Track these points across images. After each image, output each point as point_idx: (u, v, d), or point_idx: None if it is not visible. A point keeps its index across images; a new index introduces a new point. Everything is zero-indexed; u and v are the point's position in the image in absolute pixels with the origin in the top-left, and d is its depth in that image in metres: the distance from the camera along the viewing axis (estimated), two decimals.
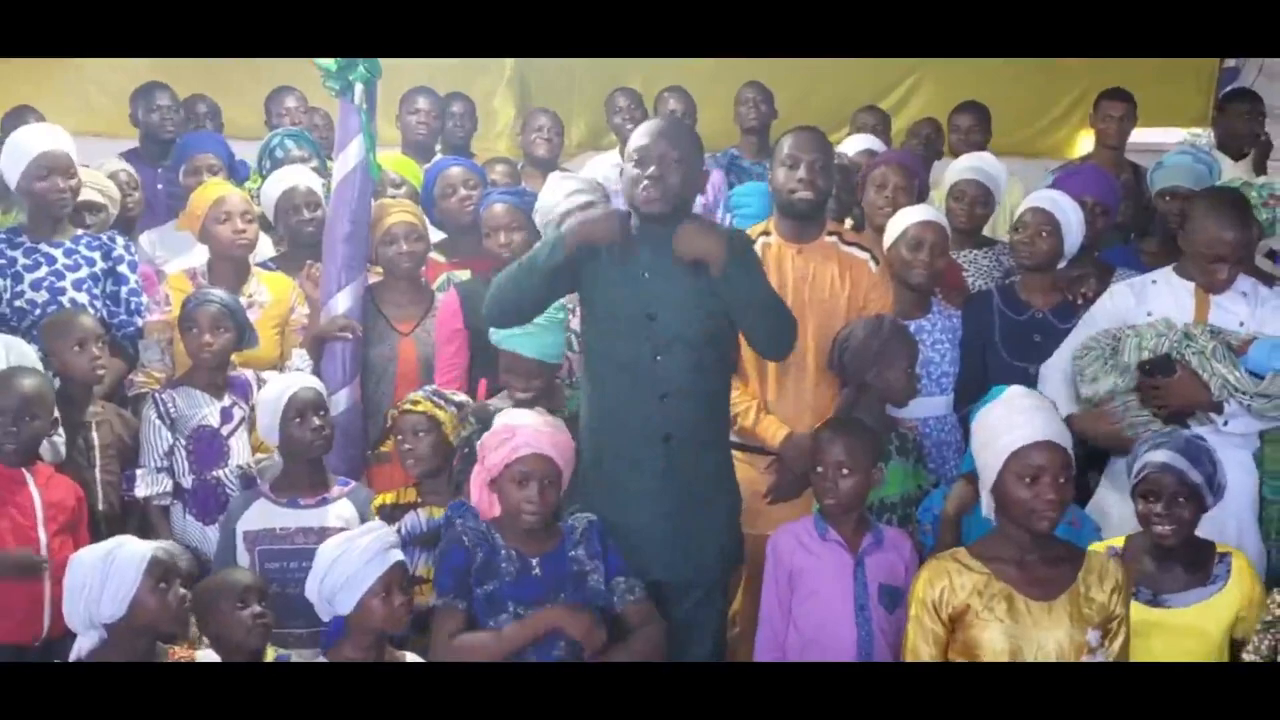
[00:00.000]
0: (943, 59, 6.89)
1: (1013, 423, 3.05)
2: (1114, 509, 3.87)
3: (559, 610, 3.34)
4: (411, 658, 3.36)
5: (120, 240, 4.49)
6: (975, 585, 3.01)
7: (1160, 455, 3.33)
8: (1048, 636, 2.96)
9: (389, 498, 3.93)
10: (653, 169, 3.39)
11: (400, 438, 3.92)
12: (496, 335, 3.91)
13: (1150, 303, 3.98)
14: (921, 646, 3.05)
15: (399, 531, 3.75)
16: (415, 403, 3.93)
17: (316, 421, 3.87)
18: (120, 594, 3.06)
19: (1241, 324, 3.89)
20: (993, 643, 2.97)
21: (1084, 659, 2.97)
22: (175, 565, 3.21)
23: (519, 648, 3.29)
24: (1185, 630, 3.30)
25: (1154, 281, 4.04)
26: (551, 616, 3.32)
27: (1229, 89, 7.00)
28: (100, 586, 3.06)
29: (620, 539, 3.46)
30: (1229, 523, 3.69)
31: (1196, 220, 3.90)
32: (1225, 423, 3.80)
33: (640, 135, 3.47)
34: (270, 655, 3.47)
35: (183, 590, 3.20)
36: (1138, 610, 3.19)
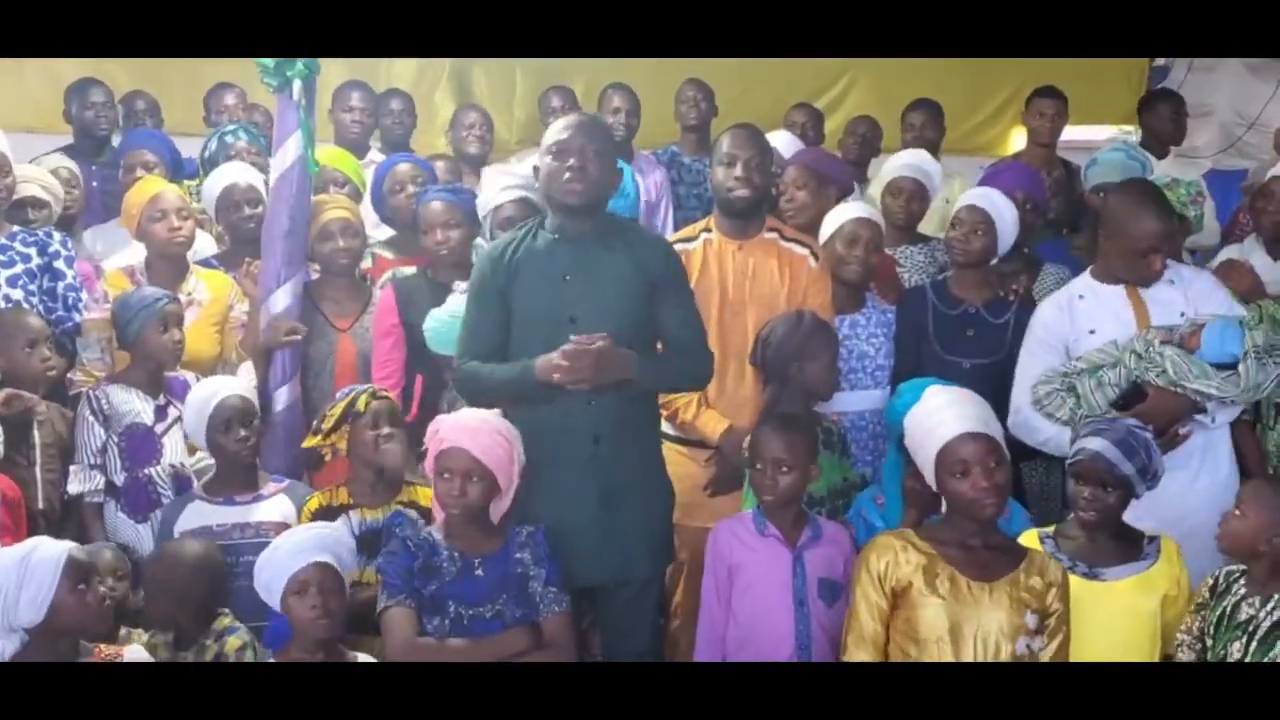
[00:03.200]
0: (877, 59, 6.93)
1: (934, 422, 3.15)
2: None
3: (524, 640, 3.34)
4: (363, 659, 3.32)
5: (56, 235, 4.45)
6: (920, 563, 3.08)
7: (1094, 444, 3.39)
8: (988, 617, 3.04)
9: (321, 499, 3.88)
10: (573, 160, 3.40)
11: (374, 422, 3.79)
12: (429, 335, 3.91)
13: (1086, 319, 3.93)
14: (865, 619, 3.12)
15: None
16: (386, 392, 3.92)
17: (242, 433, 3.87)
18: (38, 598, 2.98)
19: (1181, 313, 3.88)
20: (934, 620, 3.04)
21: (1020, 640, 3.04)
22: (94, 564, 3.14)
23: (473, 660, 3.26)
24: (1121, 603, 3.36)
25: (1081, 296, 3.99)
26: (514, 644, 3.33)
27: (1151, 90, 7.11)
28: (17, 591, 2.98)
29: (556, 543, 3.44)
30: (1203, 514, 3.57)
31: (1124, 215, 3.88)
32: (1213, 419, 3.81)
33: (558, 130, 3.48)
34: (137, 641, 3.41)
35: (102, 589, 3.13)
36: (1075, 584, 3.26)
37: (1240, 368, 3.73)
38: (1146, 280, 3.91)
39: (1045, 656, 3.08)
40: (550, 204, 3.51)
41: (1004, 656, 3.03)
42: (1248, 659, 3.19)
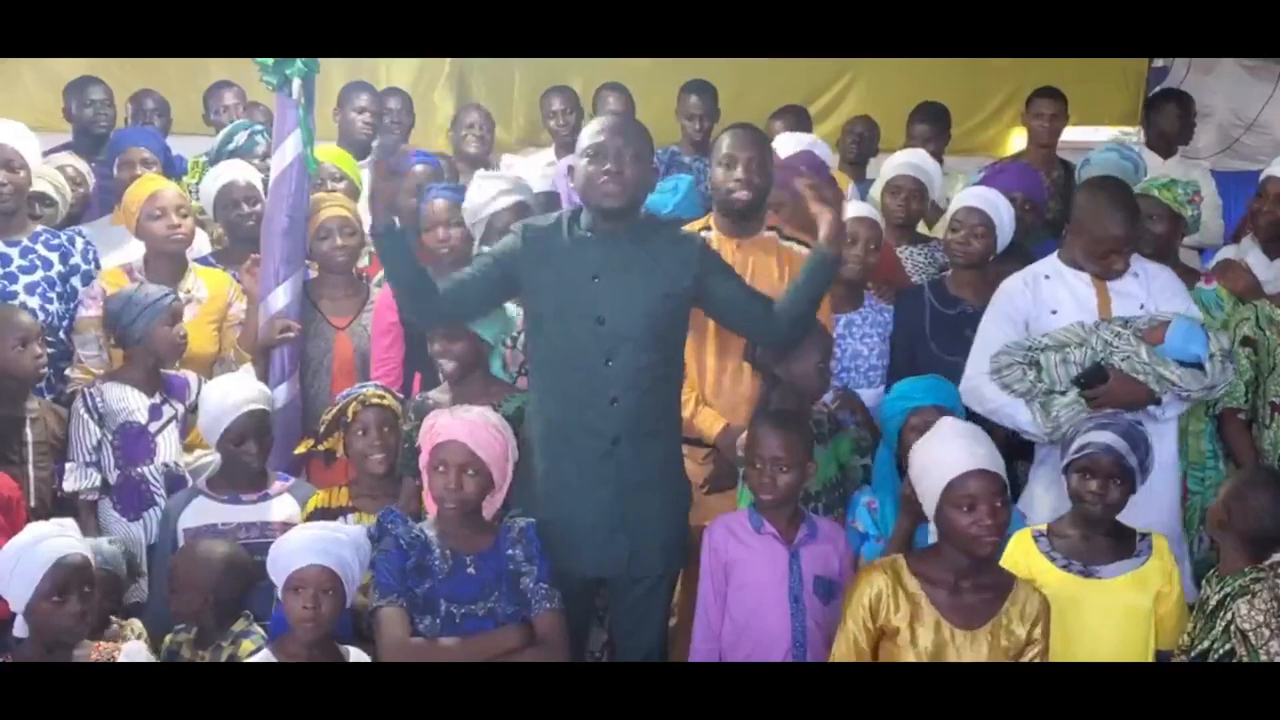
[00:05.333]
0: (876, 59, 6.94)
1: (945, 454, 3.15)
2: (1043, 498, 3.93)
3: (516, 638, 3.34)
4: (356, 654, 3.32)
5: (79, 242, 4.49)
6: (908, 612, 3.12)
7: (1104, 437, 3.42)
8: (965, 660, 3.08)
9: (322, 499, 3.90)
10: (610, 165, 3.40)
11: (362, 433, 3.87)
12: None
13: (1050, 299, 4.00)
14: (855, 640, 3.16)
15: None
16: (380, 397, 3.91)
17: (255, 449, 3.87)
18: (20, 597, 2.99)
19: (1141, 306, 3.94)
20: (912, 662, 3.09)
21: None
22: (83, 573, 3.09)
23: (465, 660, 3.25)
24: (1117, 601, 3.39)
25: (1046, 276, 4.05)
26: (506, 642, 3.32)
27: (1159, 89, 7.10)
28: (7, 581, 3.00)
29: (565, 537, 3.45)
30: (1151, 519, 3.63)
31: (1090, 215, 3.93)
32: (1164, 412, 3.86)
33: (594, 131, 3.47)
34: (134, 636, 3.41)
35: (82, 605, 3.08)
36: (1071, 583, 3.30)
37: (1206, 366, 3.80)
38: (1109, 275, 3.97)
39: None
40: (587, 206, 3.50)
41: None
42: (1198, 639, 3.27)
